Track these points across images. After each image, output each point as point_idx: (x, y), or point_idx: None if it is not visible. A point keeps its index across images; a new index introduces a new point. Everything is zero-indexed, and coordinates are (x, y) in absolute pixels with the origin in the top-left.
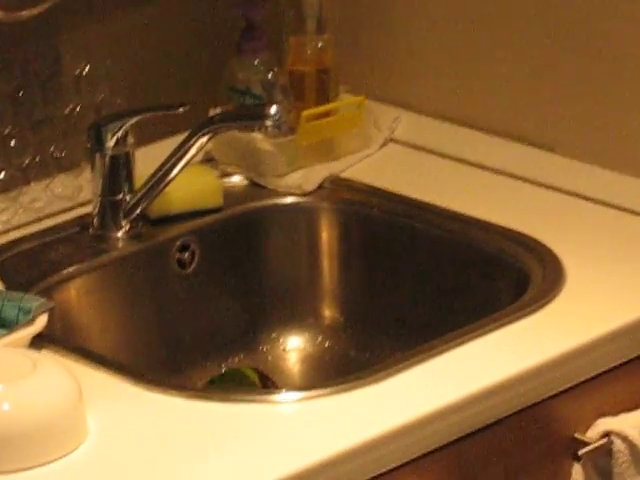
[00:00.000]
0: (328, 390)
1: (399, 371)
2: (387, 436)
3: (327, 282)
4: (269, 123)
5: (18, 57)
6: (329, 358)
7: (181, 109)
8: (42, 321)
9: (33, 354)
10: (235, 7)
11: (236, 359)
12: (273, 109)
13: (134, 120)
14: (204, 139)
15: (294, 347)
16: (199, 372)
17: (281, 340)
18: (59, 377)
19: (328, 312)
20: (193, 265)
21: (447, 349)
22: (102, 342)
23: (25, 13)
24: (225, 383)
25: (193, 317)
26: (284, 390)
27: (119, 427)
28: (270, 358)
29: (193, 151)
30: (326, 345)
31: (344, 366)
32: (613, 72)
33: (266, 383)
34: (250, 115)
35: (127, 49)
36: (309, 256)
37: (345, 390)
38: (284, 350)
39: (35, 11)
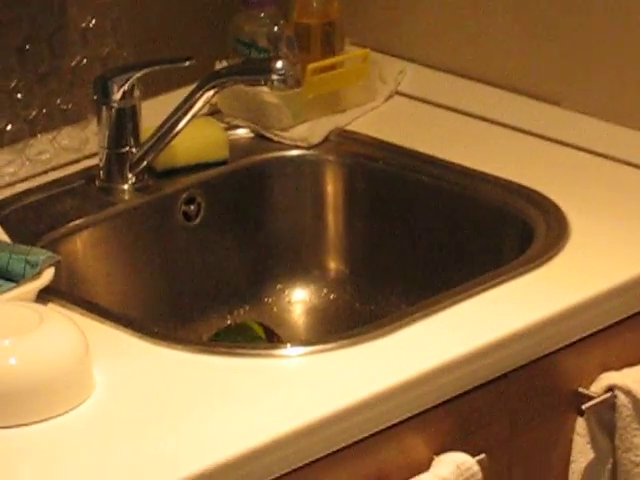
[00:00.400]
0: (333, 344)
1: (404, 325)
2: (392, 390)
3: (332, 234)
4: (275, 77)
5: (25, 11)
6: (334, 310)
7: (187, 62)
8: (49, 274)
9: (40, 307)
10: None
11: (241, 311)
12: (279, 63)
13: (140, 73)
14: (210, 93)
15: (299, 299)
16: (204, 324)
17: (286, 292)
18: (65, 331)
19: (333, 264)
20: (199, 217)
21: (452, 303)
22: (108, 294)
23: None
24: (231, 336)
25: (199, 269)
26: (289, 344)
27: (125, 381)
28: (275, 310)
29: (199, 105)
30: (331, 297)
31: (349, 318)
32: (618, 26)
33: (271, 337)
34: (256, 69)
35: (133, 2)
36: (314, 208)
37: (350, 344)
38: (289, 302)
39: None
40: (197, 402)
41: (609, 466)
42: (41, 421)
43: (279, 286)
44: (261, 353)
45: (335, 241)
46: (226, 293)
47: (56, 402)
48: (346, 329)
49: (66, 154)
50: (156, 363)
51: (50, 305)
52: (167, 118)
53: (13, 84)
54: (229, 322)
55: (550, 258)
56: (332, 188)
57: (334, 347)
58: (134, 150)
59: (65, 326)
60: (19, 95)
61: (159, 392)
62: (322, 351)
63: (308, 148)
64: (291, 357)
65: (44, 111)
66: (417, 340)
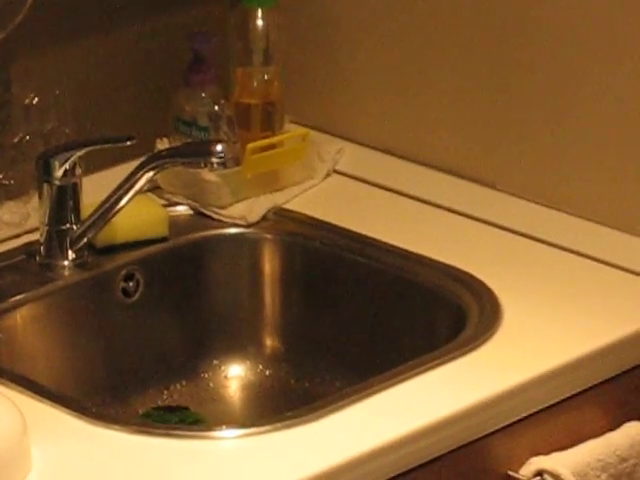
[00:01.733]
0: (268, 427)
1: (338, 409)
2: (325, 474)
3: (269, 312)
4: (214, 160)
5: None
6: (269, 386)
7: (129, 142)
8: None
9: None
10: (183, 39)
11: (178, 386)
12: (219, 147)
13: (83, 152)
14: (151, 174)
15: (235, 375)
16: (142, 399)
17: (222, 368)
18: (3, 410)
19: (269, 341)
20: (137, 294)
21: (386, 387)
22: (47, 370)
23: None
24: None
25: (137, 345)
26: (224, 426)
27: (62, 461)
28: (211, 385)
29: (140, 184)
30: (267, 373)
31: (284, 395)
32: (554, 111)
33: None
34: (196, 152)
35: (76, 80)
36: (252, 286)
37: (285, 427)
38: (225, 377)
39: None
40: None
41: None
42: None
43: (215, 362)
44: (197, 435)
45: (271, 318)
46: (163, 368)
47: None
48: (281, 406)
49: (7, 229)
50: (93, 443)
51: None
52: (108, 196)
53: None
54: (165, 398)
55: (482, 343)
56: (269, 266)
57: (268, 430)
58: (75, 227)
59: (3, 406)
60: None
61: (95, 473)
62: (257, 434)
63: (246, 226)
64: (226, 439)
65: None
66: (349, 424)
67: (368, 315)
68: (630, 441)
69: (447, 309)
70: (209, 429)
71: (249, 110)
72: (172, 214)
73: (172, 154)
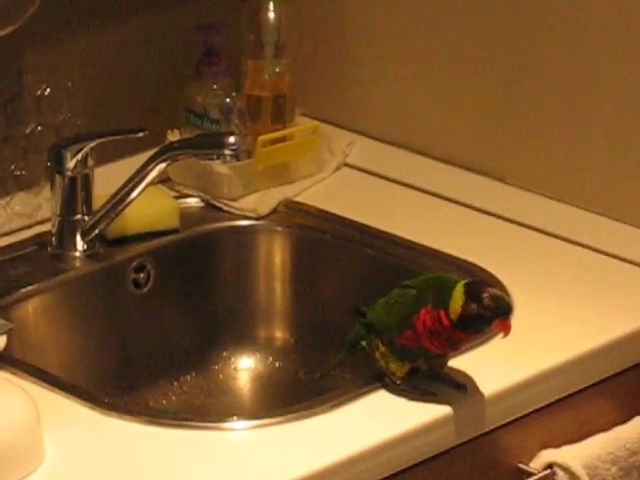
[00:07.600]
0: (280, 419)
1: (349, 401)
2: (335, 466)
3: (279, 304)
4: (227, 152)
5: None
6: (279, 378)
7: (141, 134)
8: (1, 343)
9: None
10: (195, 32)
11: (188, 377)
12: (232, 139)
13: (94, 143)
14: (163, 165)
15: (245, 367)
16: (152, 390)
17: (232, 359)
18: (17, 401)
19: (279, 333)
20: (148, 285)
21: None
22: (58, 360)
23: None
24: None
25: (147, 336)
26: (235, 417)
27: (75, 451)
28: (221, 377)
29: (152, 175)
30: (276, 365)
31: (293, 387)
32: (563, 105)
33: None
34: (209, 144)
35: (88, 71)
36: (262, 278)
37: (296, 419)
38: (235, 369)
39: None
40: (144, 474)
41: None
42: None
43: (225, 353)
44: (208, 426)
45: (281, 310)
46: (173, 360)
47: (6, 472)
48: (290, 398)
49: (19, 220)
50: (105, 434)
51: (1, 373)
52: (120, 188)
53: None
54: (175, 389)
55: (492, 336)
56: (280, 258)
57: (280, 421)
58: (86, 218)
59: (17, 396)
60: None
61: (108, 463)
62: (268, 425)
63: (257, 218)
64: (237, 430)
65: None
66: (360, 416)
67: None
68: None
69: None
70: (220, 420)
71: (260, 102)
72: (183, 206)
73: (185, 146)
